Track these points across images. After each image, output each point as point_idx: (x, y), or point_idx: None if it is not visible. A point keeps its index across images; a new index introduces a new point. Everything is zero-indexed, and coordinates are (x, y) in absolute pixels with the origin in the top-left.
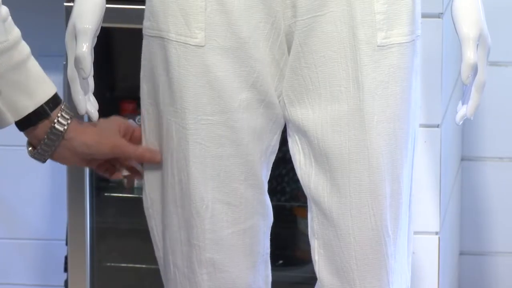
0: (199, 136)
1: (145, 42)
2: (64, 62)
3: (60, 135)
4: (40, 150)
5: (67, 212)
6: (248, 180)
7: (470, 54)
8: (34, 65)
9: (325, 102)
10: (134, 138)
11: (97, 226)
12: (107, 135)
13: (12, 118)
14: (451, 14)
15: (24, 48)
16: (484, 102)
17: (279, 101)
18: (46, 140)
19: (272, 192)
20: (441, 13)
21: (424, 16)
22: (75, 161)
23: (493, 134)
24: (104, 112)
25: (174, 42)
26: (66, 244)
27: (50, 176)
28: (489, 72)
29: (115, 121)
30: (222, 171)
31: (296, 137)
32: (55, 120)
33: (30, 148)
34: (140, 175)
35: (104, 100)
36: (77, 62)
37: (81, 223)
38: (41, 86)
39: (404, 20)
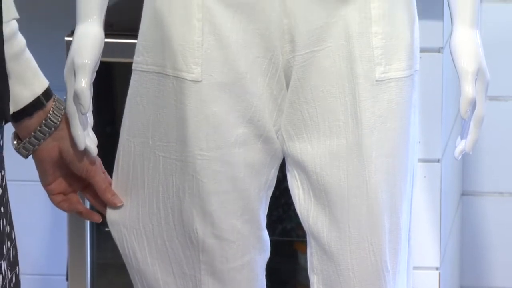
0: (195, 171)
1: (135, 77)
2: (64, 97)
3: (53, 126)
4: (27, 143)
5: (67, 247)
6: (245, 215)
7: (468, 89)
8: (30, 57)
9: (324, 137)
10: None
11: (98, 261)
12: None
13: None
14: (450, 49)
15: (22, 39)
16: (483, 136)
17: (277, 136)
18: (37, 132)
19: (272, 226)
20: (441, 48)
21: (424, 50)
22: (51, 164)
23: (492, 169)
24: (103, 147)
25: (171, 77)
26: (67, 279)
27: (50, 211)
28: (488, 106)
29: None
30: (218, 206)
31: (295, 172)
32: (50, 112)
33: (15, 141)
34: (97, 216)
35: (104, 135)
36: (76, 97)
37: (82, 258)
38: (37, 78)
39: (402, 55)
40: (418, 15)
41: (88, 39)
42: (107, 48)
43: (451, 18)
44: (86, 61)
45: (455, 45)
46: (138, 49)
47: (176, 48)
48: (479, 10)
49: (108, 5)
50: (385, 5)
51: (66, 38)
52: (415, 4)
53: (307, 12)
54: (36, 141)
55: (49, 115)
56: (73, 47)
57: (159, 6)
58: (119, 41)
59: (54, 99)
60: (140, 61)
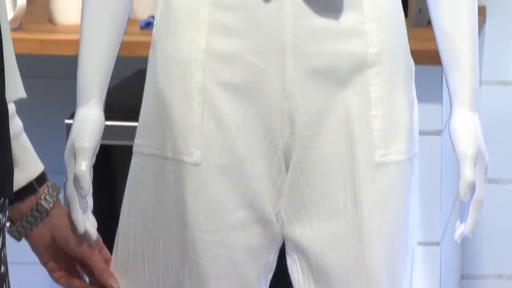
0: (194, 254)
1: (135, 160)
2: (64, 180)
3: (44, 212)
4: (20, 227)
5: None
6: None
7: (467, 172)
8: (26, 140)
9: (324, 220)
10: (102, 254)
11: None
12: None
13: None
14: (449, 132)
15: (19, 121)
16: (482, 219)
17: (277, 219)
18: (28, 217)
19: None
20: (440, 131)
21: (423, 133)
22: (45, 247)
23: (492, 252)
24: (103, 229)
25: (171, 159)
26: None
27: None
28: (487, 189)
29: None
30: None
31: (295, 256)
32: (42, 197)
33: (8, 224)
34: None
35: (104, 218)
36: (76, 180)
37: None
38: (33, 162)
39: (402, 138)
40: (417, 98)
41: (88, 123)
42: (107, 131)
43: (450, 101)
44: (86, 144)
45: (454, 129)
46: (138, 131)
47: (176, 131)
48: (478, 93)
49: (108, 87)
50: (385, 88)
51: (66, 121)
52: (414, 87)
53: (307, 95)
54: (28, 225)
55: (40, 200)
56: (74, 130)
57: (159, 89)
58: (119, 124)
59: (47, 184)
60: (140, 144)
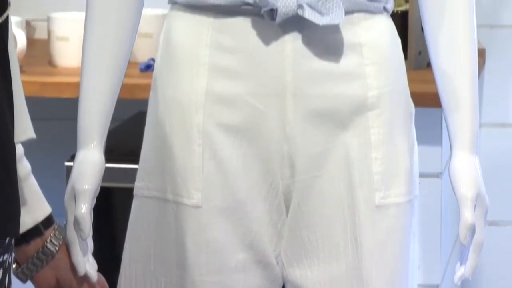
0: None
1: (136, 203)
2: (64, 222)
3: (50, 254)
4: (25, 269)
5: None
6: None
7: (468, 215)
8: (34, 182)
9: (324, 262)
10: None
11: None
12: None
13: None
14: (449, 174)
15: (27, 163)
16: (482, 261)
17: (277, 261)
18: (34, 259)
19: None
20: (440, 173)
21: (423, 175)
22: None
23: None
24: (104, 271)
25: (171, 202)
26: None
27: None
28: (487, 231)
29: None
30: None
31: None
32: (48, 240)
33: (14, 265)
34: None
35: (104, 260)
36: (77, 223)
37: None
38: (40, 204)
39: (402, 180)
40: (417, 140)
41: (89, 165)
42: (108, 173)
43: (450, 144)
44: (87, 187)
45: (454, 171)
46: (139, 174)
47: (176, 174)
48: (478, 136)
49: (108, 130)
50: (385, 130)
51: (67, 163)
52: (414, 129)
53: (307, 138)
54: (33, 267)
55: (46, 243)
56: (74, 173)
57: (160, 131)
58: (119, 166)
59: (54, 227)
60: (141, 187)
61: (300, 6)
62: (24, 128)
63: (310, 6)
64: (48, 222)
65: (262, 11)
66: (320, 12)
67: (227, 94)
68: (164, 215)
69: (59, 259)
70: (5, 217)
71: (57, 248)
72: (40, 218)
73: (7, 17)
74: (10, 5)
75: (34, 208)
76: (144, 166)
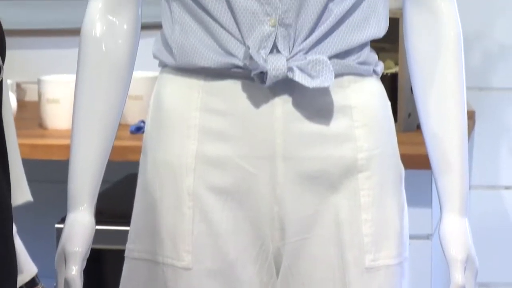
0: None
1: (127, 265)
2: (55, 284)
3: None
4: None
5: None
6: None
7: (458, 277)
8: (20, 243)
9: None
10: None
11: None
12: None
13: None
14: (439, 236)
15: (13, 225)
16: None
17: None
18: None
19: None
20: (430, 235)
21: (413, 237)
22: None
23: None
24: None
25: (161, 264)
26: None
27: None
28: None
29: None
30: None
31: None
32: None
33: None
34: None
35: None
36: (67, 285)
37: None
38: (26, 265)
39: (392, 243)
40: (407, 202)
41: (79, 227)
42: (98, 235)
43: (440, 206)
44: (77, 249)
45: (445, 233)
46: (130, 236)
47: (167, 236)
48: (468, 198)
49: (98, 192)
50: (375, 192)
51: (57, 226)
52: (404, 191)
53: (298, 200)
54: None
55: None
56: (64, 235)
57: (150, 193)
58: (109, 228)
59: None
60: (132, 249)
61: (290, 69)
62: (21, 191)
63: (300, 69)
64: (33, 283)
65: (252, 74)
66: (310, 75)
67: (217, 156)
68: (155, 277)
69: None
70: (3, 276)
71: None
72: (25, 279)
73: (1, 81)
74: (3, 69)
75: (20, 268)
76: (135, 228)
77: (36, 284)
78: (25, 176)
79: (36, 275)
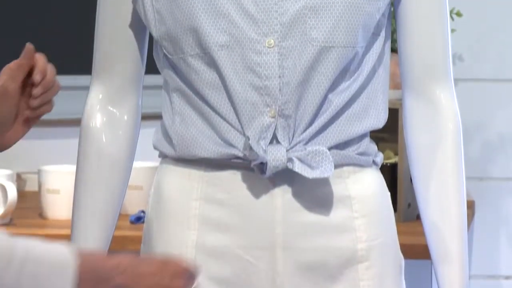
0: None
1: None
2: None
3: None
4: None
5: None
6: None
7: None
8: None
9: None
10: None
11: None
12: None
13: None
14: None
15: None
16: None
17: None
18: None
19: None
20: None
21: None
22: None
23: None
24: None
25: None
26: None
27: None
28: None
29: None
30: None
31: None
32: None
33: None
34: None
35: None
36: None
37: None
38: None
39: None
40: None
41: None
42: None
43: None
44: None
45: None
46: None
47: None
48: (467, 287)
49: None
50: (375, 283)
51: None
52: (403, 281)
53: None
54: None
55: None
56: None
57: None
58: None
59: None
60: None
61: (290, 160)
62: None
63: (300, 160)
64: None
65: (252, 165)
66: (310, 166)
67: (217, 247)
68: None
69: None
70: None
71: None
72: None
73: None
74: None
75: None
76: None
77: None
78: None
79: None
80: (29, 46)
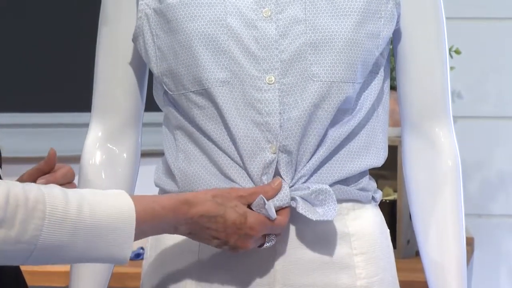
0: None
1: None
2: None
3: None
4: None
5: None
6: None
7: None
8: None
9: None
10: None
11: None
12: None
13: None
14: None
15: None
16: None
17: None
18: None
19: None
20: None
21: None
22: None
23: None
24: None
25: None
26: None
27: None
28: None
29: None
30: None
31: None
32: None
33: None
34: None
35: None
36: None
37: None
38: None
39: None
40: None
41: None
42: None
43: None
44: None
45: None
46: None
47: None
48: None
49: None
50: None
51: None
52: None
53: None
54: None
55: None
56: None
57: None
58: None
59: None
60: None
61: (293, 199)
62: None
63: (303, 199)
64: None
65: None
66: (313, 204)
67: (218, 283)
68: None
69: None
70: None
71: None
72: None
73: None
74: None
75: None
76: None
77: None
78: None
79: None
80: (52, 152)
